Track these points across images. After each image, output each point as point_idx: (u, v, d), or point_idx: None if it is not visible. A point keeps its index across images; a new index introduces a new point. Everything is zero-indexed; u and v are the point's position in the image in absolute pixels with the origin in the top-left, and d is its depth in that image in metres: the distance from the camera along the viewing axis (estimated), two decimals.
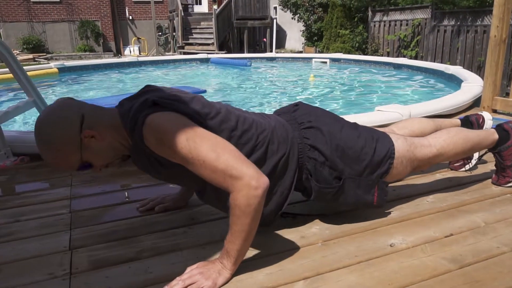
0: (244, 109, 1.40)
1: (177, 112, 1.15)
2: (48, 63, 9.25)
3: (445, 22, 7.45)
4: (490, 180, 1.80)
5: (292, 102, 1.56)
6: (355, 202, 1.42)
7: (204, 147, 1.08)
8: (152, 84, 1.34)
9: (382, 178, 1.41)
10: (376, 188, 1.40)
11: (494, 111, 3.03)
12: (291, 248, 1.31)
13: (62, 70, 7.48)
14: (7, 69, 2.60)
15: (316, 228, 1.43)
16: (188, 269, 1.15)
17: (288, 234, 1.39)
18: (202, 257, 1.25)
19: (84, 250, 1.32)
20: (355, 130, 1.43)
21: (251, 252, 1.28)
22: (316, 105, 1.56)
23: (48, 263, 1.26)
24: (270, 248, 1.31)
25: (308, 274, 1.17)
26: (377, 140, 1.43)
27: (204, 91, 5.46)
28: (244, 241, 1.11)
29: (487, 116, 1.93)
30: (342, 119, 1.49)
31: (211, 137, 1.12)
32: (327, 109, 1.53)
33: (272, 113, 1.52)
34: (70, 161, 1.16)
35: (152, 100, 1.16)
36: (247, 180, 1.05)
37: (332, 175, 1.36)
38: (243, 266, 1.19)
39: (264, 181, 1.08)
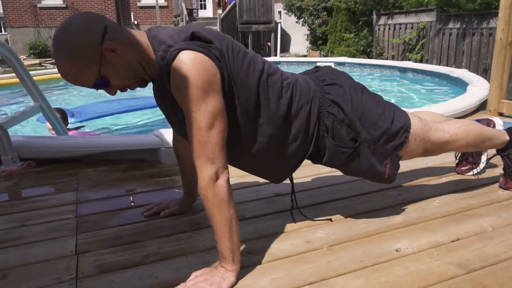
0: None
1: (211, 53, 1.12)
2: (55, 68, 9.33)
3: (450, 25, 7.42)
4: (497, 184, 1.79)
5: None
6: (366, 170, 1.40)
7: (206, 117, 1.09)
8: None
9: (396, 151, 1.40)
10: (389, 159, 1.39)
11: (501, 114, 3.02)
12: (296, 253, 1.30)
13: None
14: (14, 74, 2.62)
15: (321, 233, 1.43)
16: (193, 275, 1.15)
17: (293, 239, 1.39)
18: (207, 262, 1.25)
19: (90, 254, 1.33)
20: (375, 97, 1.43)
21: (256, 257, 1.27)
22: None
23: (55, 267, 1.26)
24: (275, 253, 1.30)
25: (313, 279, 1.17)
26: (395, 111, 1.42)
27: None
28: (229, 235, 1.12)
29: (498, 121, 1.92)
30: (363, 85, 1.47)
31: (215, 113, 1.11)
32: None
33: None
34: (87, 73, 1.09)
35: (192, 31, 1.14)
36: (214, 170, 1.10)
37: (349, 135, 1.34)
38: (248, 271, 1.19)
39: (226, 172, 1.13)
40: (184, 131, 1.20)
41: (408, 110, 1.66)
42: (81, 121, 4.24)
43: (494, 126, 1.88)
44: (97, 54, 1.08)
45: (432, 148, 1.49)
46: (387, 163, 1.39)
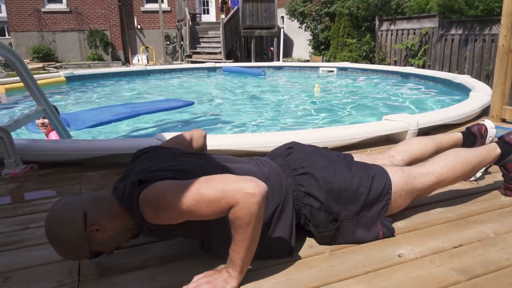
0: (236, 158, 1.41)
1: (162, 179, 1.16)
2: (58, 72, 9.37)
3: (453, 31, 7.43)
4: (499, 190, 1.78)
5: (287, 142, 1.56)
6: (359, 240, 1.39)
7: (194, 191, 1.09)
8: (143, 148, 1.41)
9: (381, 214, 1.41)
10: (378, 226, 1.40)
11: (503, 121, 3.02)
12: (298, 257, 1.30)
13: (71, 78, 7.57)
14: (17, 78, 2.63)
15: None
16: (195, 278, 1.16)
17: (296, 243, 1.39)
18: (209, 266, 1.25)
19: None
20: (349, 171, 1.42)
21: (258, 262, 1.27)
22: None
23: (57, 270, 1.26)
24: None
25: (316, 284, 1.17)
26: (372, 177, 1.42)
27: (192, 103, 5.42)
28: (247, 249, 1.11)
29: (489, 124, 1.91)
30: (336, 159, 1.47)
31: (196, 181, 1.11)
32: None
33: (268, 154, 1.53)
34: (82, 254, 1.20)
35: (138, 179, 1.17)
36: (243, 193, 1.06)
37: (328, 218, 1.36)
38: (250, 276, 1.19)
39: (262, 187, 1.08)
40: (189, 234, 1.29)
41: (394, 150, 1.66)
42: (77, 130, 4.17)
43: (486, 131, 1.88)
44: (83, 240, 1.17)
45: (421, 193, 1.51)
46: (378, 230, 1.40)
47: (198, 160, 1.31)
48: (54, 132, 3.02)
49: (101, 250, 1.23)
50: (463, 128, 1.96)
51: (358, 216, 1.38)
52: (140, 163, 1.30)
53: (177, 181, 1.14)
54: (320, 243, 1.39)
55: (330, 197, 1.36)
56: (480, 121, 1.93)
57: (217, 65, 9.58)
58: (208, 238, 1.28)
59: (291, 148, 1.51)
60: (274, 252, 1.30)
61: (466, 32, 7.12)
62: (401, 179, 1.44)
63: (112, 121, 4.52)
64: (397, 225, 1.51)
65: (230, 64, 9.87)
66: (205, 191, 1.08)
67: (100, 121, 4.46)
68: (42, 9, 14.50)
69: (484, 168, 1.88)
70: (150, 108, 5.02)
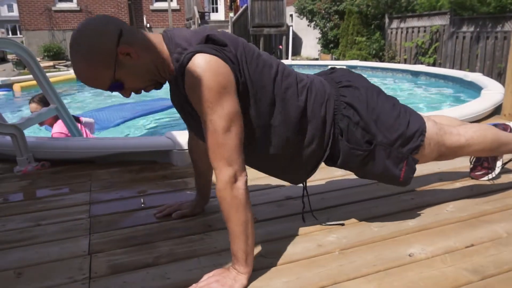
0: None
1: (223, 58, 1.13)
2: (68, 70, 9.45)
3: (464, 29, 7.34)
4: None
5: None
6: (381, 173, 1.39)
7: (221, 122, 1.10)
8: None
9: (411, 154, 1.39)
10: (405, 163, 1.37)
11: None
12: (308, 257, 1.30)
13: None
14: (30, 76, 2.66)
15: (333, 237, 1.42)
16: (205, 276, 1.16)
17: (305, 242, 1.39)
18: (218, 264, 1.25)
19: (103, 255, 1.34)
20: (390, 100, 1.42)
21: (268, 260, 1.27)
22: None
23: (68, 267, 1.28)
24: (287, 256, 1.30)
25: (325, 283, 1.16)
26: (410, 114, 1.41)
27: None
28: (245, 238, 1.12)
29: None
30: (378, 87, 1.46)
31: (232, 115, 1.12)
32: None
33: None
34: (103, 76, 1.11)
35: (207, 34, 1.15)
36: (232, 172, 1.10)
37: (364, 137, 1.33)
38: (260, 274, 1.19)
39: (244, 174, 1.14)
40: (200, 132, 1.22)
41: (424, 114, 1.64)
42: (106, 129, 4.22)
43: (510, 131, 1.86)
44: (112, 57, 1.09)
45: (447, 152, 1.47)
46: (403, 166, 1.37)
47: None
48: (59, 122, 3.02)
49: (124, 81, 1.13)
50: None
51: (392, 147, 1.35)
52: None
53: (228, 90, 1.12)
54: (342, 164, 1.38)
55: (371, 115, 1.33)
56: (506, 122, 1.91)
57: None
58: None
59: (333, 69, 1.50)
60: (312, 152, 1.33)
61: (478, 30, 7.03)
62: (433, 129, 1.42)
63: (134, 118, 4.58)
64: (408, 224, 1.49)
65: None
66: (219, 122, 1.10)
67: (124, 119, 4.53)
68: (53, 8, 14.66)
69: (501, 164, 1.86)
70: (164, 105, 5.05)
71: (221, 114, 1.10)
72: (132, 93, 1.22)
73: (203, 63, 1.10)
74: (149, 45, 1.16)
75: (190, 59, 1.11)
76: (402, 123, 1.36)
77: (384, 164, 1.36)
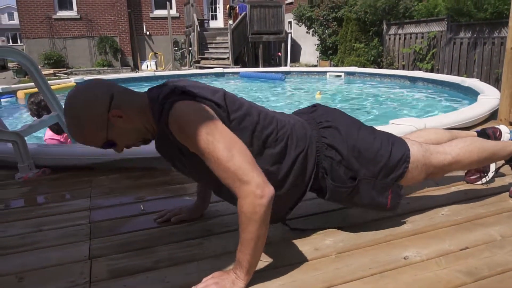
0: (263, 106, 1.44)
1: (203, 102, 1.19)
2: (68, 78, 9.50)
3: (461, 35, 7.40)
4: (507, 193, 1.78)
5: (310, 105, 1.59)
6: (369, 203, 1.43)
7: (221, 145, 1.12)
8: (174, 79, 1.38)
9: (396, 182, 1.42)
10: (390, 191, 1.41)
11: (511, 124, 3.00)
12: (304, 260, 1.32)
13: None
14: (32, 84, 2.68)
15: (329, 240, 1.44)
16: (204, 279, 1.18)
17: (302, 246, 1.41)
18: (217, 268, 1.27)
19: (103, 259, 1.36)
20: (371, 133, 1.46)
21: (265, 263, 1.29)
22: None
23: (69, 271, 1.30)
24: (283, 259, 1.32)
25: (321, 286, 1.18)
26: (393, 143, 1.45)
27: None
28: (253, 250, 1.13)
29: (504, 129, 1.92)
30: (359, 121, 1.51)
31: (230, 137, 1.15)
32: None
33: (292, 113, 1.56)
34: (96, 138, 1.20)
35: (181, 89, 1.20)
36: (254, 188, 1.09)
37: (347, 174, 1.37)
38: (257, 277, 1.21)
39: (269, 190, 1.11)
40: (192, 175, 1.34)
41: (409, 136, 1.68)
42: None
43: (500, 134, 1.89)
44: (104, 121, 1.18)
45: (435, 171, 1.51)
46: (388, 194, 1.42)
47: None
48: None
49: (116, 140, 1.23)
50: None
51: (376, 178, 1.39)
52: None
53: (215, 120, 1.16)
54: (329, 199, 1.41)
55: (352, 153, 1.37)
56: (495, 125, 1.94)
57: (225, 70, 9.63)
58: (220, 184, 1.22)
59: (315, 107, 1.54)
60: (291, 193, 1.35)
61: (475, 35, 7.09)
62: (418, 152, 1.46)
63: None
64: (403, 228, 1.52)
65: (247, 70, 9.90)
66: (219, 146, 1.11)
67: None
68: (53, 16, 14.75)
69: (494, 169, 1.89)
70: None
71: (218, 137, 1.13)
72: None
73: (184, 106, 1.16)
74: (138, 106, 1.24)
75: (170, 107, 1.16)
76: (384, 155, 1.40)
77: (370, 195, 1.40)
